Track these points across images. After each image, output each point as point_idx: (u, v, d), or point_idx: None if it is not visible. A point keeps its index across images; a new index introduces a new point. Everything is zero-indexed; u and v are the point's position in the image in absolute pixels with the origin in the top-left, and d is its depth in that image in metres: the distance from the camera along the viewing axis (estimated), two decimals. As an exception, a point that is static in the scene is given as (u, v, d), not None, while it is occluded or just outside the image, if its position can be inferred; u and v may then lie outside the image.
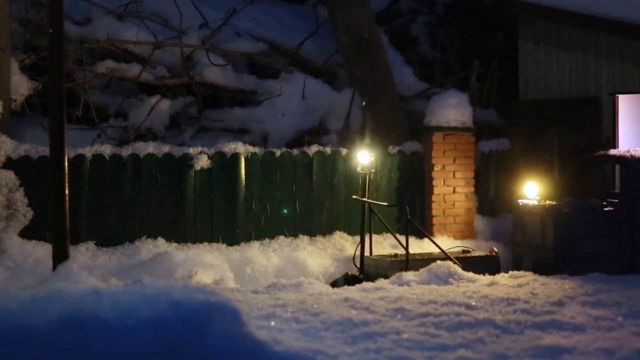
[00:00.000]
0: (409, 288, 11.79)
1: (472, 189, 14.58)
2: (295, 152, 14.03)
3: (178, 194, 13.36)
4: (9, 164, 12.71)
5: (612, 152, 13.69)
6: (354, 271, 12.89)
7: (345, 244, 13.73)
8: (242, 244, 13.43)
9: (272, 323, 9.65)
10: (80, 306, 6.16)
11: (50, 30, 11.73)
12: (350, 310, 10.39)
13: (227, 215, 13.51)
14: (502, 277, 12.32)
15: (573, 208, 13.03)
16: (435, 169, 14.42)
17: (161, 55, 15.12)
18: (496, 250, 13.09)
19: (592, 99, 14.21)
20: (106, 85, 15.32)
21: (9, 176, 12.62)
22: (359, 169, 13.28)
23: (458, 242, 14.10)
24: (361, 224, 13.09)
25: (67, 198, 11.63)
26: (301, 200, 13.92)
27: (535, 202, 13.24)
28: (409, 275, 12.21)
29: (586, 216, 13.00)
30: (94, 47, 14.64)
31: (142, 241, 13.05)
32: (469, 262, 12.70)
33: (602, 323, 9.59)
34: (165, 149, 13.43)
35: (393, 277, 12.26)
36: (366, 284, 12.07)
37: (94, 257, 12.74)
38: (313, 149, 14.12)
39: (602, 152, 13.71)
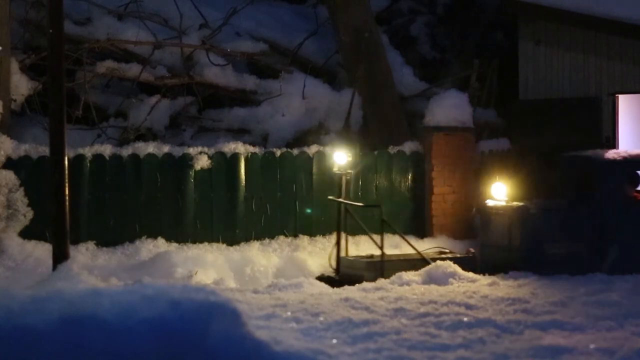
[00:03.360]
0: (409, 288, 11.79)
1: (472, 189, 14.56)
2: (295, 152, 14.03)
3: (178, 194, 13.35)
4: (9, 164, 12.72)
5: (581, 153, 13.67)
6: (330, 272, 12.82)
7: (345, 244, 13.69)
8: (242, 243, 13.42)
9: (272, 323, 9.65)
10: (80, 306, 6.16)
11: (50, 30, 11.74)
12: (350, 310, 10.38)
13: (227, 215, 13.51)
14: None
15: (540, 209, 12.93)
16: (435, 168, 14.41)
17: (161, 55, 15.12)
18: (473, 251, 13.02)
19: (592, 99, 14.21)
20: (106, 85, 15.32)
21: (9, 176, 12.63)
22: (335, 169, 13.23)
23: (458, 242, 14.09)
24: (337, 225, 13.04)
25: (67, 198, 11.63)
26: (301, 200, 13.92)
27: (503, 203, 13.17)
28: (409, 275, 12.20)
29: (553, 217, 12.89)
30: (94, 47, 14.63)
31: (142, 241, 13.05)
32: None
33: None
34: (165, 149, 13.43)
35: (393, 277, 12.26)
36: (366, 284, 12.07)
37: (94, 257, 12.74)
38: (313, 149, 14.12)
39: (572, 153, 13.68)
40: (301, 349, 8.05)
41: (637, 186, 13.24)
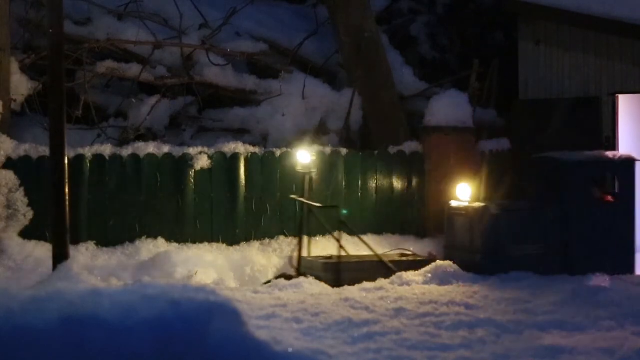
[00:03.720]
0: (409, 288, 11.79)
1: (472, 189, 14.54)
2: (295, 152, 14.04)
3: (178, 193, 13.36)
4: (9, 164, 12.72)
5: (549, 154, 13.68)
6: (292, 272, 12.82)
7: (345, 244, 13.67)
8: (242, 243, 13.42)
9: (273, 323, 9.65)
10: (80, 306, 6.15)
11: (50, 30, 11.73)
12: (350, 310, 10.39)
13: (227, 215, 13.50)
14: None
15: (503, 210, 12.90)
16: (435, 168, 14.40)
17: (161, 55, 15.12)
18: (434, 254, 12.91)
19: (592, 99, 14.21)
20: (106, 85, 15.31)
21: (9, 176, 12.63)
22: (299, 168, 13.21)
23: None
24: (299, 226, 12.99)
25: (67, 198, 11.63)
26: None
27: (466, 204, 13.14)
28: (409, 275, 12.20)
29: (516, 218, 12.85)
30: (94, 47, 14.63)
31: (142, 241, 13.05)
32: (405, 266, 12.54)
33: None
34: (165, 148, 13.44)
35: (393, 277, 12.26)
36: (366, 284, 12.07)
37: (94, 257, 12.74)
38: (313, 149, 14.14)
39: (541, 154, 13.69)
40: (301, 349, 8.06)
41: (606, 188, 13.23)
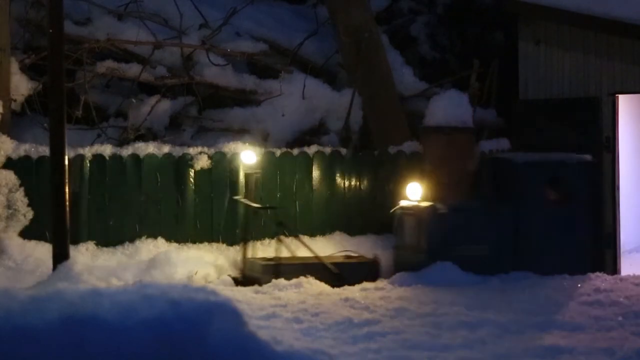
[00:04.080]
0: (409, 288, 11.79)
1: (472, 189, 14.51)
2: (295, 152, 14.05)
3: (178, 193, 13.36)
4: (9, 164, 12.72)
5: (500, 154, 13.67)
6: (237, 273, 12.74)
7: (345, 244, 13.68)
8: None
9: (273, 323, 9.66)
10: (80, 306, 6.15)
11: (50, 30, 11.73)
12: (351, 310, 10.39)
13: (227, 215, 13.50)
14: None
15: (450, 209, 12.86)
16: (435, 168, 14.36)
17: (161, 55, 15.11)
18: (377, 255, 12.82)
19: (592, 99, 14.20)
20: (106, 85, 15.31)
21: (9, 176, 12.63)
22: (244, 169, 13.16)
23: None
24: (243, 227, 12.95)
25: (67, 198, 11.63)
26: (301, 200, 13.92)
27: (414, 203, 13.09)
28: (405, 275, 12.21)
29: (463, 218, 12.82)
30: (94, 47, 14.62)
31: (142, 241, 13.05)
32: (347, 268, 12.47)
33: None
34: (165, 148, 13.44)
35: (393, 277, 12.26)
36: (366, 284, 12.07)
37: (94, 257, 12.75)
38: (313, 149, 14.15)
39: (494, 155, 13.69)
40: (302, 348, 8.05)
41: (561, 190, 13.23)
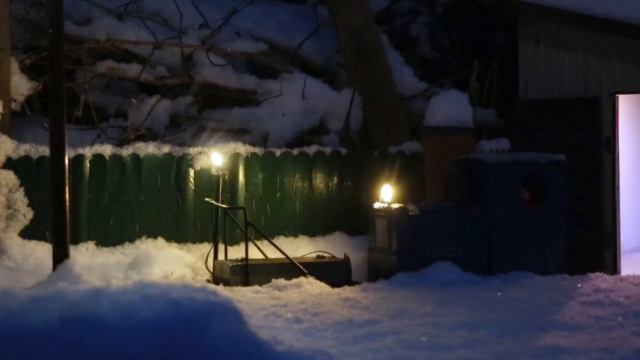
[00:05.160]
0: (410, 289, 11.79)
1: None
2: (295, 152, 14.05)
3: (178, 193, 13.36)
4: (9, 164, 12.72)
5: (473, 155, 13.67)
6: (207, 275, 12.72)
7: (344, 245, 13.66)
8: (242, 243, 13.39)
9: (273, 323, 9.65)
10: (80, 306, 6.15)
11: (50, 30, 11.73)
12: (351, 310, 10.39)
13: (227, 216, 13.48)
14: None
15: (421, 211, 12.82)
16: (435, 168, 14.37)
17: (161, 55, 15.11)
18: (348, 255, 12.78)
19: (592, 99, 14.20)
20: (106, 85, 15.30)
21: (9, 176, 12.63)
22: (213, 170, 13.14)
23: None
24: (214, 228, 12.91)
25: (67, 198, 11.63)
26: (301, 200, 13.92)
27: (385, 205, 13.07)
28: (400, 275, 12.22)
29: (434, 220, 12.79)
30: (94, 47, 14.62)
31: (142, 241, 13.05)
32: (318, 268, 12.44)
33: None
34: (166, 148, 13.44)
35: (393, 278, 12.25)
36: (366, 284, 12.07)
37: (94, 257, 12.75)
38: (313, 149, 14.16)
39: (465, 156, 13.67)
40: (302, 348, 8.05)
41: (535, 190, 13.23)
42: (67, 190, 11.64)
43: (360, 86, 15.07)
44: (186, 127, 15.00)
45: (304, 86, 15.00)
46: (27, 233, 12.64)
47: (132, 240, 13.06)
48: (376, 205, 13.18)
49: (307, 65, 15.65)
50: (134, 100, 14.66)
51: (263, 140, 14.77)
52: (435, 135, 14.42)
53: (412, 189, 14.05)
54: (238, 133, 14.86)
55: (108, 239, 12.99)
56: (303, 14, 16.96)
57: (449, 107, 14.48)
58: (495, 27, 17.13)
